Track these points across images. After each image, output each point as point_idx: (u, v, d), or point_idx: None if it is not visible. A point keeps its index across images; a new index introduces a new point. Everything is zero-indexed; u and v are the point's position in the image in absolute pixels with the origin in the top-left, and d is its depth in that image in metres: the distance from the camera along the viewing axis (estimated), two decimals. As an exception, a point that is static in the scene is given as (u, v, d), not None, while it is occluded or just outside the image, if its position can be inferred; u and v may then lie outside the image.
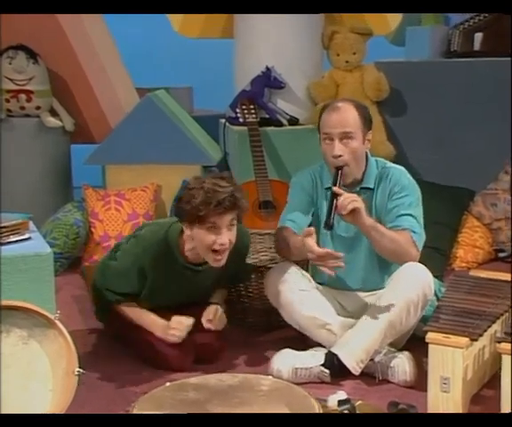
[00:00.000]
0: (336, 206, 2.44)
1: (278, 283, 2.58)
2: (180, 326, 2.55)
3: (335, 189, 2.48)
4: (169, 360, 2.55)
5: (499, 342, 2.17)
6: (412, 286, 2.46)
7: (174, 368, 2.52)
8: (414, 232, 2.54)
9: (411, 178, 2.66)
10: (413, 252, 2.52)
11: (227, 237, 2.44)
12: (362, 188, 2.63)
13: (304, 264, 2.75)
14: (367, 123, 2.60)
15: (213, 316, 2.61)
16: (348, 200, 2.43)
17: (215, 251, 2.45)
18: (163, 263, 2.56)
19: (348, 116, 2.56)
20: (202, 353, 2.61)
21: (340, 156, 2.54)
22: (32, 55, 4.02)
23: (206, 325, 2.60)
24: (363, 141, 2.58)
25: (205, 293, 2.73)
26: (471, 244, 3.76)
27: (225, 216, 2.42)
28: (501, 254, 3.82)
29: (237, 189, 2.47)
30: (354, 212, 2.44)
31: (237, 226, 2.53)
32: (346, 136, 2.54)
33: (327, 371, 2.44)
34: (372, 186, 2.63)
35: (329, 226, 2.45)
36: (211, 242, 2.44)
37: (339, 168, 2.54)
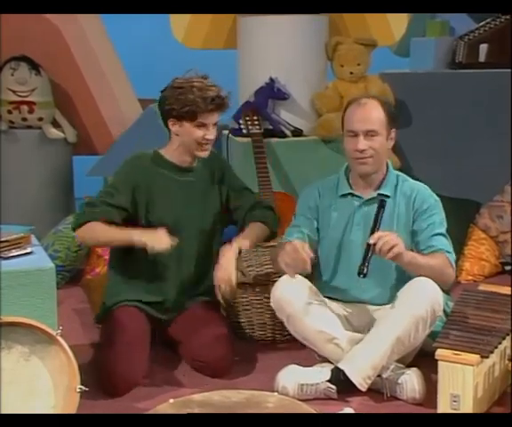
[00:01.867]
0: (373, 251, 2.40)
1: (285, 295, 2.54)
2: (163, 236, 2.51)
3: (375, 236, 2.40)
4: (117, 374, 2.43)
5: (510, 360, 2.13)
6: (421, 301, 2.42)
7: (122, 383, 2.44)
8: (448, 252, 2.56)
9: (435, 195, 2.67)
10: (450, 272, 2.55)
11: (213, 134, 2.63)
12: (379, 193, 2.61)
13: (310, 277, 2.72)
14: (391, 121, 2.61)
15: (225, 282, 2.58)
16: (388, 246, 2.37)
17: (201, 144, 2.62)
18: (153, 173, 2.65)
19: (373, 113, 2.56)
20: (213, 367, 2.57)
21: (364, 150, 2.54)
22: (34, 66, 4.01)
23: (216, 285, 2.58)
24: (386, 139, 2.59)
25: (207, 213, 2.72)
26: (477, 256, 3.73)
27: (214, 114, 2.61)
28: (508, 267, 3.79)
29: (221, 89, 2.64)
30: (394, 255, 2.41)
31: (219, 156, 2.88)
32: (370, 133, 2.54)
33: (334, 387, 2.40)
34: (389, 193, 2.61)
35: (363, 274, 2.40)
36: (199, 136, 2.60)
37: (381, 205, 2.49)
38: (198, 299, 2.74)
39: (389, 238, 2.39)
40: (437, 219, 2.60)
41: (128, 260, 2.67)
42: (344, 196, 2.65)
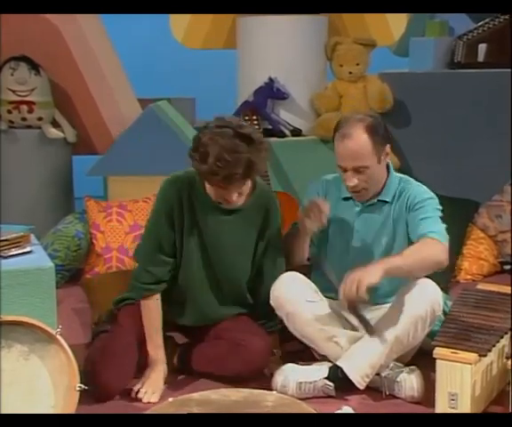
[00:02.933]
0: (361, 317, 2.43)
1: (285, 293, 2.54)
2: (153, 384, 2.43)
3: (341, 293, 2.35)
4: (102, 382, 2.36)
5: (508, 359, 2.14)
6: (420, 301, 2.42)
7: (106, 391, 2.39)
8: (431, 231, 2.44)
9: (430, 192, 2.61)
10: (437, 250, 2.40)
11: (235, 195, 2.34)
12: (379, 200, 2.60)
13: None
14: (382, 139, 2.51)
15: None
16: (353, 291, 2.28)
17: (223, 202, 2.39)
18: (191, 197, 2.42)
19: (359, 146, 2.45)
20: (254, 349, 2.48)
21: (355, 186, 2.50)
22: (34, 66, 4.01)
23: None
24: (378, 162, 2.51)
25: (241, 249, 2.53)
26: (476, 256, 3.73)
27: (234, 184, 2.30)
28: (507, 267, 3.79)
29: (256, 150, 2.28)
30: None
31: (260, 184, 2.48)
32: (359, 168, 2.48)
33: (331, 384, 2.40)
34: (389, 199, 2.59)
35: (373, 332, 2.41)
36: (219, 196, 2.37)
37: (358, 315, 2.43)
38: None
39: (348, 284, 2.29)
40: (425, 209, 2.50)
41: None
42: (346, 199, 2.62)
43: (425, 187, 2.65)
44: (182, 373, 2.59)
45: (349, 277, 2.31)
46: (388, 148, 2.55)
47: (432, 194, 2.62)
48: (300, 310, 2.52)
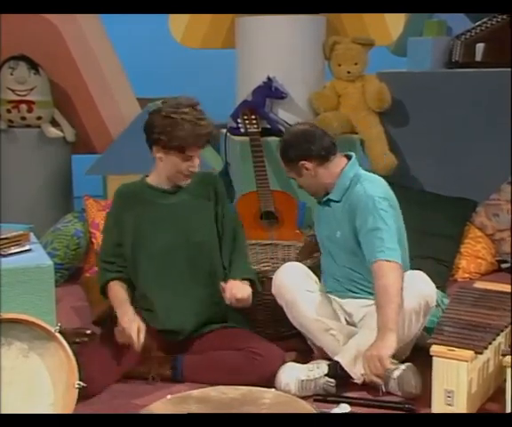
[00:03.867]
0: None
1: (285, 282, 2.60)
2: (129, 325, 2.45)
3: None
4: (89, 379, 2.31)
5: (504, 356, 2.15)
6: (413, 294, 2.44)
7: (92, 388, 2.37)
8: (386, 253, 2.42)
9: (377, 189, 2.55)
10: (389, 273, 2.39)
11: (197, 164, 2.57)
12: (328, 199, 2.66)
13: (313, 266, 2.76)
14: (293, 158, 2.63)
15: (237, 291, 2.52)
16: (378, 371, 2.30)
17: (185, 174, 2.58)
18: (135, 200, 2.64)
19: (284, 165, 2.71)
20: (268, 357, 2.50)
21: (303, 189, 2.74)
22: (33, 66, 4.02)
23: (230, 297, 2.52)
24: (299, 176, 2.67)
25: (197, 235, 2.62)
26: (474, 254, 3.75)
27: (200, 149, 2.56)
28: (504, 265, 3.81)
29: (211, 122, 2.58)
30: None
31: (206, 171, 2.76)
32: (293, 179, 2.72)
33: (333, 381, 2.42)
34: (336, 199, 2.64)
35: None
36: (184, 168, 2.56)
37: None
38: (216, 326, 2.63)
39: (372, 365, 2.29)
40: (369, 222, 2.47)
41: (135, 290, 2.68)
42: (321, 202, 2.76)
43: (374, 184, 2.58)
44: (175, 382, 2.55)
45: (368, 358, 2.30)
46: (304, 163, 2.61)
47: (378, 191, 2.54)
48: (299, 299, 2.56)
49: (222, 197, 2.70)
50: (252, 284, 2.62)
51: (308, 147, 2.61)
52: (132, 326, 2.45)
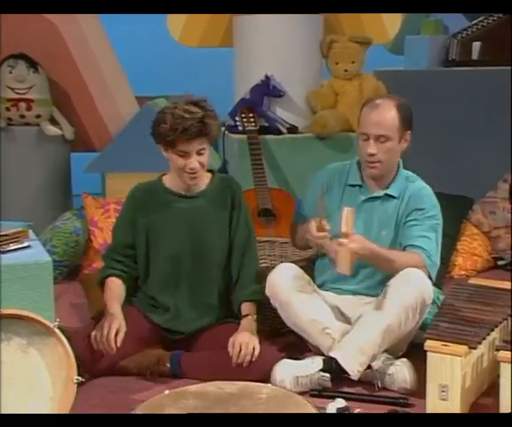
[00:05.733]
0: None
1: (279, 282, 2.60)
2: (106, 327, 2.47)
3: None
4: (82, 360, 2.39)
5: (497, 351, 2.17)
6: (410, 290, 2.46)
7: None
8: (430, 259, 2.55)
9: (436, 201, 2.66)
10: (415, 267, 2.52)
11: (196, 162, 2.51)
12: (386, 194, 2.65)
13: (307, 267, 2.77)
14: (406, 123, 2.61)
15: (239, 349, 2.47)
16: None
17: (187, 172, 2.54)
18: (150, 202, 2.63)
19: (386, 116, 2.56)
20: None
21: (374, 154, 2.57)
22: (32, 64, 4.03)
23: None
24: (399, 141, 2.60)
25: (210, 241, 2.62)
26: (470, 252, 3.77)
27: (193, 143, 2.48)
28: (500, 262, 3.83)
29: (208, 115, 2.50)
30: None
31: (220, 175, 2.70)
32: (382, 138, 2.56)
33: (327, 375, 2.44)
34: (395, 195, 2.64)
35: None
36: (182, 165, 2.53)
37: None
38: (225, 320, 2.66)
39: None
40: (430, 222, 2.59)
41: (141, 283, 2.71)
42: (352, 186, 2.68)
43: (430, 189, 2.68)
44: (174, 378, 2.56)
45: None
46: (408, 135, 2.63)
47: (435, 199, 2.66)
48: (293, 300, 2.57)
49: (239, 205, 2.66)
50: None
51: (412, 124, 2.63)
52: (114, 323, 2.46)
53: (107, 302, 2.59)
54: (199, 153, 2.52)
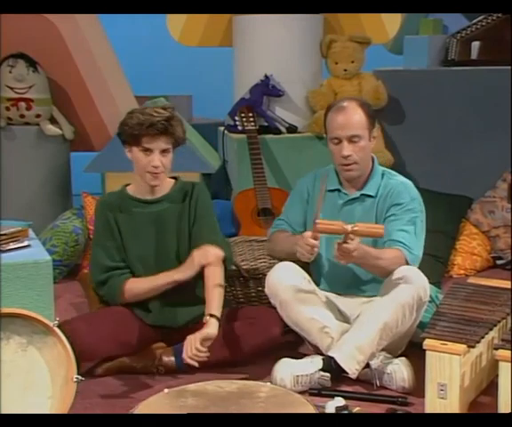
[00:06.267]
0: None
1: (278, 281, 2.60)
2: None
3: None
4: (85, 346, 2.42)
5: (496, 349, 2.18)
6: (406, 288, 2.47)
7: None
8: (410, 252, 2.55)
9: (416, 194, 2.66)
10: (396, 263, 2.52)
11: (159, 161, 2.55)
12: (362, 194, 2.65)
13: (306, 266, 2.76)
14: (372, 120, 2.64)
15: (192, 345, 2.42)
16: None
17: (150, 172, 2.57)
18: (117, 210, 2.66)
19: (353, 117, 2.59)
20: (267, 323, 2.60)
21: (349, 155, 2.58)
22: (32, 63, 4.04)
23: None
24: (369, 139, 2.63)
25: (173, 242, 2.65)
26: (469, 251, 3.78)
27: (157, 140, 2.53)
28: (499, 262, 3.84)
29: (175, 118, 2.57)
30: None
31: (191, 181, 2.71)
32: (353, 138, 2.58)
33: (327, 375, 2.44)
34: (373, 194, 2.65)
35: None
36: (145, 163, 2.56)
37: None
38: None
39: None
40: (408, 216, 2.59)
41: None
42: (332, 191, 2.69)
43: (410, 184, 2.68)
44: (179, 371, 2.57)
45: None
46: (375, 131, 2.66)
47: (415, 193, 2.65)
48: (293, 299, 2.57)
49: (196, 203, 2.68)
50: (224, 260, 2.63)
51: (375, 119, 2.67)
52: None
53: (171, 277, 2.57)
54: (163, 154, 2.56)
